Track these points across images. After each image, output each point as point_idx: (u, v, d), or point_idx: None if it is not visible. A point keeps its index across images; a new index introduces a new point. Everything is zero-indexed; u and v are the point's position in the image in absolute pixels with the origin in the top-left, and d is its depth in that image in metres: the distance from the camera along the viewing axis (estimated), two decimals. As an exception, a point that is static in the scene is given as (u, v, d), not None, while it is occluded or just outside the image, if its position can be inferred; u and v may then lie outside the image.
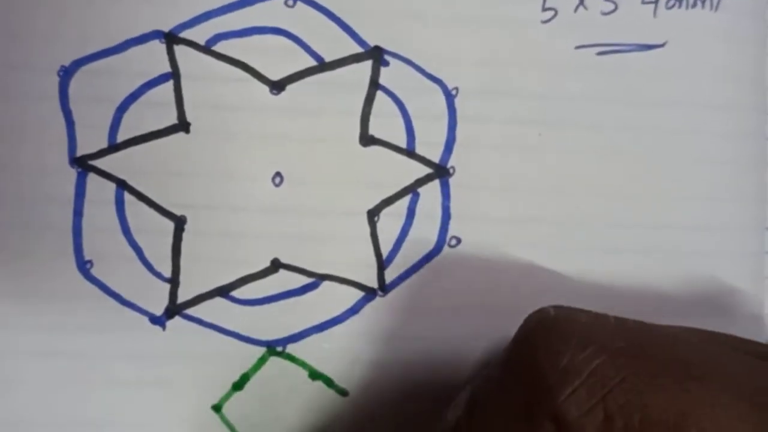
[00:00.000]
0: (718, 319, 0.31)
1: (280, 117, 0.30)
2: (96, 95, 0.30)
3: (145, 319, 0.30)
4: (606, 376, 0.22)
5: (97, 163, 0.30)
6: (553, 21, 0.31)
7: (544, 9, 0.31)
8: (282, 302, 0.31)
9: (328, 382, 0.31)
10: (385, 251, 0.31)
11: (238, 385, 0.31)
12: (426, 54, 0.31)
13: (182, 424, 0.30)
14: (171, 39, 0.30)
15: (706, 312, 0.32)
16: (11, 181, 0.30)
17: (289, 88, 0.31)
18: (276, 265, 0.31)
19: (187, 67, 0.30)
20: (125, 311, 0.30)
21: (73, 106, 0.30)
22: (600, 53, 0.32)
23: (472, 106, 0.31)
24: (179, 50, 0.30)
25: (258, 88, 0.30)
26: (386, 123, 0.31)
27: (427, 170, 0.31)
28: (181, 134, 0.30)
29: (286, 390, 0.31)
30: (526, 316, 0.31)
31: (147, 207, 0.30)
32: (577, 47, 0.31)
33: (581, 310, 0.25)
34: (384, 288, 0.31)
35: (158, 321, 0.30)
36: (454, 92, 0.31)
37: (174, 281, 0.30)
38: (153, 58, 0.30)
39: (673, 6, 0.32)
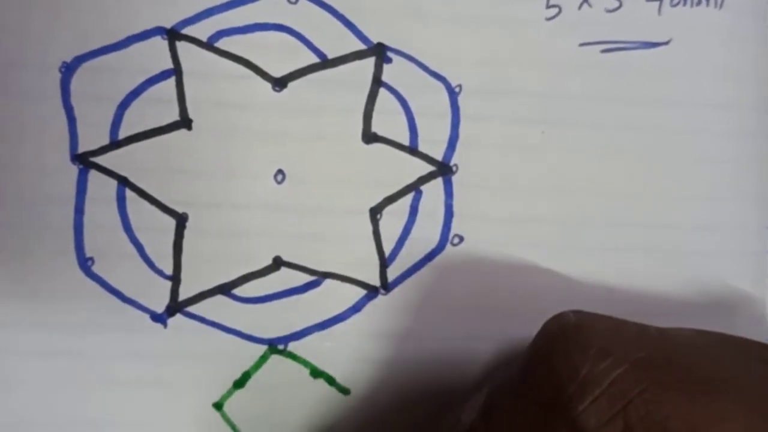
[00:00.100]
0: (719, 318, 0.31)
1: (282, 114, 0.30)
2: (97, 92, 0.30)
3: (147, 317, 0.30)
4: (626, 386, 0.21)
5: (99, 160, 0.30)
6: (557, 18, 0.31)
7: (548, 6, 0.31)
8: (284, 300, 0.31)
9: (330, 380, 0.31)
10: (387, 249, 0.31)
11: (240, 383, 0.31)
12: (429, 51, 0.31)
13: (183, 423, 0.30)
14: (173, 35, 0.30)
15: (707, 311, 0.32)
16: (12, 179, 0.29)
17: (292, 85, 0.30)
18: (278, 263, 0.31)
19: (189, 64, 0.30)
20: (126, 309, 0.30)
21: (74, 102, 0.30)
22: (604, 51, 0.31)
23: (475, 104, 0.31)
24: (181, 47, 0.30)
25: (260, 85, 0.30)
26: (389, 120, 0.31)
27: (430, 168, 0.31)
28: (183, 131, 0.30)
29: (287, 388, 0.31)
30: (528, 315, 0.31)
31: (148, 204, 0.30)
32: (581, 45, 0.31)
33: (601, 316, 0.25)
34: (386, 286, 0.31)
35: (159, 319, 0.30)
36: (457, 90, 0.31)
37: (175, 279, 0.30)
38: (155, 54, 0.30)
39: (677, 4, 0.32)
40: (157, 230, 0.30)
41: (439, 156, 0.31)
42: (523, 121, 0.31)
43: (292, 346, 0.31)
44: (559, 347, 0.23)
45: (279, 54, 0.30)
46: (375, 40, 0.31)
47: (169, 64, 0.30)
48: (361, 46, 0.31)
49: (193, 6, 0.30)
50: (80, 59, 0.30)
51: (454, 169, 0.31)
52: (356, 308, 0.31)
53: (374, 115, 0.31)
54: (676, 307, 0.32)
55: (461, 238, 0.31)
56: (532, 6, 0.31)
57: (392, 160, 0.31)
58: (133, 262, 0.30)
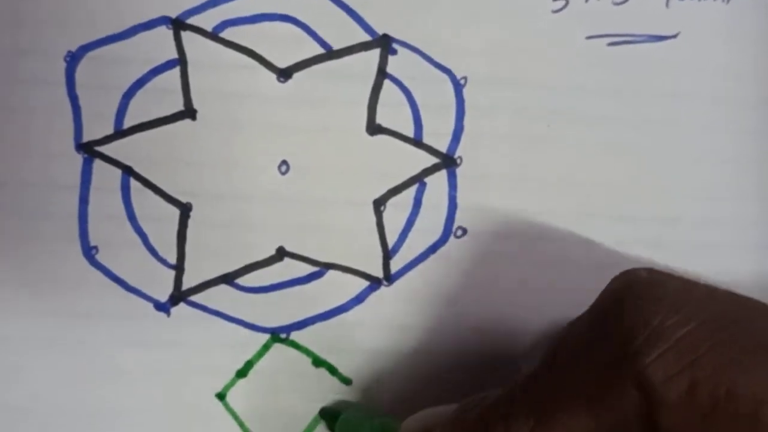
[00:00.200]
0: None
1: (286, 105, 0.30)
2: (102, 81, 0.30)
3: (150, 306, 0.30)
4: (695, 343, 0.21)
5: (103, 149, 0.30)
6: (564, 11, 0.31)
7: (555, -2, 0.31)
8: (287, 290, 0.31)
9: (332, 369, 0.31)
10: (390, 241, 0.31)
11: (242, 373, 0.31)
12: (435, 43, 0.31)
13: (186, 413, 0.30)
14: (178, 25, 0.30)
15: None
16: (17, 167, 0.30)
17: (296, 75, 0.30)
18: (281, 254, 0.31)
19: (194, 54, 0.30)
20: (130, 297, 0.30)
21: (79, 91, 0.30)
22: (611, 44, 0.31)
23: (480, 96, 0.31)
24: (186, 36, 0.30)
25: (265, 76, 0.30)
26: (393, 112, 0.31)
27: (435, 160, 0.31)
28: (188, 121, 0.30)
29: (289, 377, 0.31)
30: (530, 308, 0.31)
31: (153, 194, 0.30)
32: (588, 37, 0.31)
33: (672, 275, 0.24)
34: (389, 278, 0.31)
35: (163, 308, 0.30)
36: (462, 82, 0.31)
37: (179, 268, 0.30)
38: (160, 44, 0.30)
39: (686, -3, 0.31)
40: (161, 220, 0.30)
41: (443, 148, 0.31)
42: (528, 113, 0.31)
43: (295, 336, 0.31)
44: (629, 300, 0.23)
45: (284, 45, 0.30)
46: (380, 32, 0.31)
47: (174, 54, 0.30)
48: (367, 38, 0.31)
49: (198, -4, 0.30)
50: (85, 48, 0.30)
51: (458, 161, 0.31)
52: (359, 299, 0.31)
53: (379, 106, 0.31)
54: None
55: (465, 231, 0.31)
56: (539, -3, 0.31)
57: (396, 152, 0.31)
58: (137, 252, 0.30)
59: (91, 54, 0.30)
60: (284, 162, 0.30)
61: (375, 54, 0.31)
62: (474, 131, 0.31)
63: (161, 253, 0.30)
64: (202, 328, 0.30)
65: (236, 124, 0.30)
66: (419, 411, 0.27)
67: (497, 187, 0.31)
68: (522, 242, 0.31)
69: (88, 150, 0.30)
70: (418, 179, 0.31)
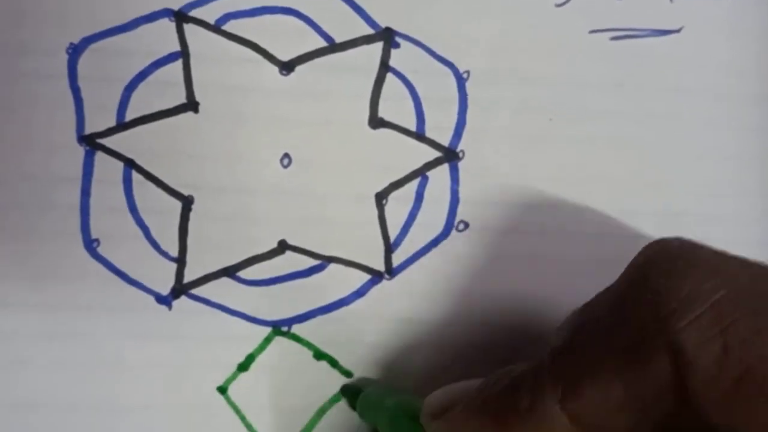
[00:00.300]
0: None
1: (289, 98, 0.30)
2: (105, 73, 0.30)
3: (151, 299, 0.30)
4: (729, 308, 0.21)
5: (105, 141, 0.30)
6: (567, 5, 0.31)
7: (558, -8, 0.31)
8: (288, 284, 0.31)
9: (333, 362, 0.31)
10: (392, 234, 0.31)
11: (244, 366, 0.31)
12: (438, 36, 0.31)
13: (187, 407, 0.30)
14: (180, 17, 0.30)
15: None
16: (19, 159, 0.29)
17: (299, 69, 0.30)
18: (283, 247, 0.31)
19: (196, 47, 0.30)
20: (131, 290, 0.30)
21: (81, 84, 0.30)
22: (614, 38, 0.31)
23: (483, 90, 0.31)
24: (189, 29, 0.30)
25: (267, 69, 0.30)
26: (396, 106, 0.31)
27: (437, 154, 0.31)
28: (190, 114, 0.30)
29: (290, 370, 0.31)
30: (531, 302, 0.31)
31: (154, 186, 0.30)
32: (591, 32, 0.31)
33: (703, 244, 0.24)
34: (391, 271, 0.31)
35: (164, 301, 0.30)
36: (465, 76, 0.31)
37: (180, 261, 0.30)
38: (162, 36, 0.30)
39: (690, -9, 0.31)
40: (162, 212, 0.30)
41: (445, 142, 0.31)
42: (530, 107, 0.31)
43: (296, 329, 0.31)
44: (662, 264, 0.23)
45: (286, 37, 0.30)
46: (383, 25, 0.30)
47: (176, 47, 0.30)
48: (369, 31, 0.30)
49: (201, -12, 0.30)
50: (87, 40, 0.30)
51: (460, 155, 0.31)
52: (360, 293, 0.31)
53: (381, 100, 0.31)
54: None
55: (467, 225, 0.31)
56: (543, -9, 0.31)
57: (399, 146, 0.31)
58: (139, 244, 0.30)
59: (93, 46, 0.30)
60: (286, 155, 0.30)
61: (378, 47, 0.30)
62: (476, 125, 0.31)
63: (163, 246, 0.30)
64: (203, 321, 0.30)
65: (239, 117, 0.30)
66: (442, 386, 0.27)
67: (499, 181, 0.31)
68: (524, 236, 0.31)
69: (90, 142, 0.30)
70: (420, 173, 0.31)
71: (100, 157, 0.30)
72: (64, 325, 0.30)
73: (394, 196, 0.31)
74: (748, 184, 0.32)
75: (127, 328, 0.30)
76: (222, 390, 0.31)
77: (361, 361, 0.31)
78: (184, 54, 0.30)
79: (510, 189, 0.31)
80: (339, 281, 0.31)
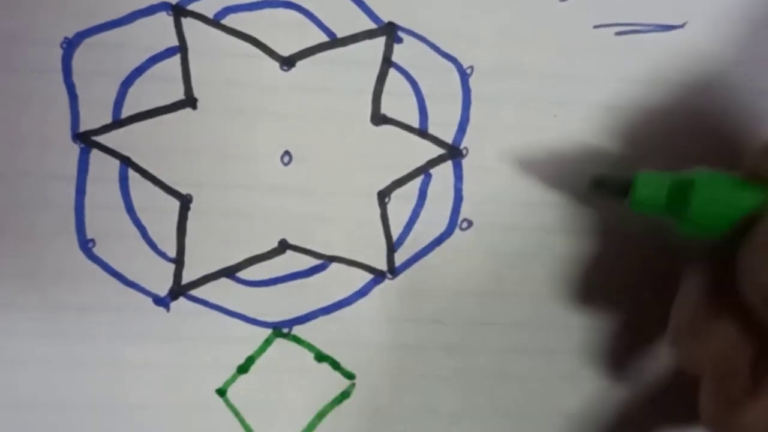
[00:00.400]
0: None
1: (289, 94, 0.30)
2: (100, 69, 0.29)
3: (149, 300, 0.30)
4: None
5: (101, 139, 0.29)
6: (572, 0, 0.31)
7: (563, -13, 0.31)
8: (289, 284, 0.30)
9: (335, 364, 0.31)
10: (395, 233, 0.30)
11: (244, 368, 0.30)
12: (441, 31, 0.30)
13: (186, 410, 0.30)
14: (179, 11, 0.29)
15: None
16: (12, 157, 0.29)
17: (300, 64, 0.30)
18: (283, 246, 0.30)
19: (194, 41, 0.29)
20: (128, 292, 0.30)
21: (76, 79, 0.29)
22: (619, 33, 0.31)
23: (486, 86, 0.30)
24: (187, 23, 0.29)
25: (268, 64, 0.30)
26: (399, 102, 0.30)
27: (440, 151, 0.30)
28: (188, 110, 0.29)
29: (291, 372, 0.30)
30: (535, 300, 0.31)
31: (152, 185, 0.29)
32: (596, 26, 0.31)
33: None
34: (393, 270, 0.31)
35: (162, 302, 0.30)
36: (468, 71, 0.30)
37: (179, 261, 0.30)
38: (160, 31, 0.29)
39: (694, -15, 0.31)
40: (160, 212, 0.30)
41: (449, 139, 0.30)
42: (536, 102, 0.30)
43: (297, 330, 0.30)
44: None
45: (287, 32, 0.30)
46: (385, 19, 0.30)
47: (174, 41, 0.29)
48: (372, 26, 0.30)
49: (200, -19, 0.29)
50: (82, 35, 0.29)
51: (464, 152, 0.30)
52: (362, 292, 0.30)
53: (384, 96, 0.30)
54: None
55: (470, 223, 0.31)
56: (546, -14, 0.31)
57: (401, 143, 0.30)
58: (136, 245, 0.30)
59: (88, 41, 0.29)
60: (287, 152, 0.30)
61: (380, 42, 0.30)
62: (480, 122, 0.30)
63: (160, 246, 0.30)
64: (202, 323, 0.30)
65: (238, 113, 0.30)
66: None
67: (504, 178, 0.30)
68: (528, 234, 0.31)
69: (86, 140, 0.29)
70: (424, 170, 0.30)
71: (95, 155, 0.29)
72: (60, 327, 0.29)
73: (396, 194, 0.30)
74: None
75: (124, 330, 0.30)
76: (221, 392, 0.30)
77: (363, 363, 0.31)
78: (182, 49, 0.29)
79: (514, 186, 0.31)
80: (341, 281, 0.30)
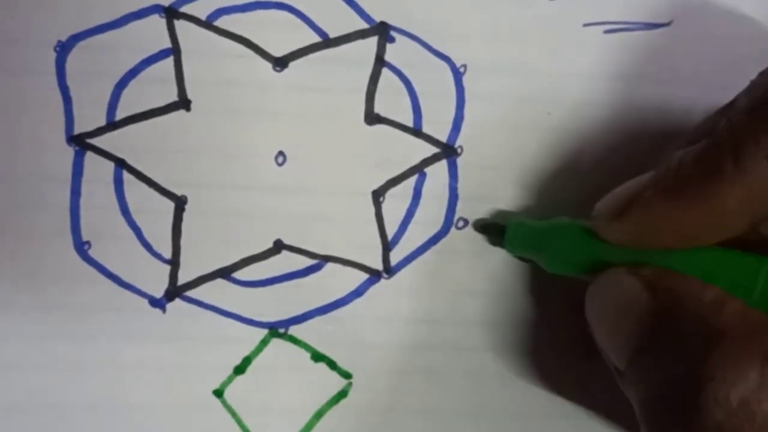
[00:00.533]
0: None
1: (283, 94, 0.30)
2: (94, 71, 0.29)
3: (145, 302, 0.30)
4: None
5: (95, 141, 0.29)
6: (562, -3, 0.31)
7: (553, -15, 0.31)
8: (284, 284, 0.30)
9: (331, 364, 0.31)
10: (390, 233, 0.30)
11: (240, 369, 0.30)
12: (433, 30, 0.30)
13: (183, 411, 0.30)
14: (171, 14, 0.29)
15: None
16: (6, 160, 0.29)
17: (293, 64, 0.30)
18: (279, 246, 0.30)
19: (187, 43, 0.29)
20: (124, 293, 0.30)
21: (70, 82, 0.29)
22: (607, 31, 0.31)
23: (480, 84, 0.30)
24: (180, 25, 0.29)
25: (261, 65, 0.30)
26: (392, 101, 0.30)
27: (434, 150, 0.30)
28: (182, 112, 0.29)
29: (288, 373, 0.30)
30: (532, 299, 0.31)
31: (146, 186, 0.29)
32: (585, 25, 0.31)
33: None
34: (389, 270, 0.31)
35: (158, 303, 0.30)
36: (462, 70, 0.30)
37: (174, 263, 0.30)
38: (153, 33, 0.29)
39: (682, -17, 0.31)
40: (155, 213, 0.30)
41: (443, 137, 0.30)
42: (529, 100, 0.30)
43: (293, 330, 0.30)
44: None
45: (280, 33, 0.30)
46: (378, 19, 0.30)
47: (167, 43, 0.29)
48: (364, 25, 0.30)
49: (192, -17, 0.29)
50: (76, 38, 0.29)
51: (458, 150, 0.30)
52: (358, 292, 0.30)
53: (377, 95, 0.30)
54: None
55: (466, 222, 0.31)
56: (537, -15, 0.31)
57: (395, 142, 0.30)
58: (131, 246, 0.30)
59: (82, 43, 0.29)
60: (281, 153, 0.30)
61: (372, 42, 0.30)
62: (474, 120, 0.30)
63: (156, 248, 0.30)
64: (198, 323, 0.30)
65: (232, 114, 0.30)
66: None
67: (499, 176, 0.31)
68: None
69: (80, 142, 0.29)
70: (418, 169, 0.30)
71: (90, 157, 0.29)
72: (55, 329, 0.29)
73: (391, 193, 0.30)
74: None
75: (120, 331, 0.30)
76: (218, 393, 0.30)
77: (360, 362, 0.31)
78: (175, 51, 0.29)
79: (509, 184, 0.31)
80: (336, 281, 0.30)
